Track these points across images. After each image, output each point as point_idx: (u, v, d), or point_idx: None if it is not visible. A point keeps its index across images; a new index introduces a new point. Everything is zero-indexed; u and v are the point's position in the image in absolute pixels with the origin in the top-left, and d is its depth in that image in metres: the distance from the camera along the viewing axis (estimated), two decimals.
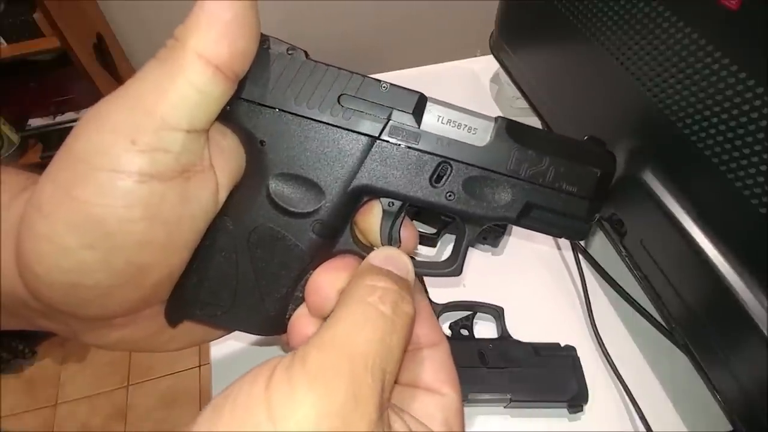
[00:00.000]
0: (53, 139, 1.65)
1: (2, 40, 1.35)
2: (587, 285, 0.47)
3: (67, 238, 0.21)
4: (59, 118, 1.61)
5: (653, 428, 0.40)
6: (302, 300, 0.27)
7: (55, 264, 0.21)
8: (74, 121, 1.60)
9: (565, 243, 0.53)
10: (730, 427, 0.38)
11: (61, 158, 0.21)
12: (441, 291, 0.48)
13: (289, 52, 0.25)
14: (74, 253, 0.21)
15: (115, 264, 0.22)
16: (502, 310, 0.47)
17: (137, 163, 0.20)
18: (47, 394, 1.46)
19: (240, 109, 0.25)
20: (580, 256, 0.49)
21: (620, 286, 0.48)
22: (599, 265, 0.50)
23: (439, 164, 0.27)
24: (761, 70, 0.28)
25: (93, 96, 1.49)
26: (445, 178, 0.27)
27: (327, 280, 0.26)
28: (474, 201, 0.27)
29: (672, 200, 0.35)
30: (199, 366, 1.48)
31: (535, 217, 0.28)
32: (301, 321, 0.27)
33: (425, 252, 0.53)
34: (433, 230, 0.51)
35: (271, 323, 0.27)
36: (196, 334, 0.29)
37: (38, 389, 1.47)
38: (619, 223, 0.42)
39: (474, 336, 0.46)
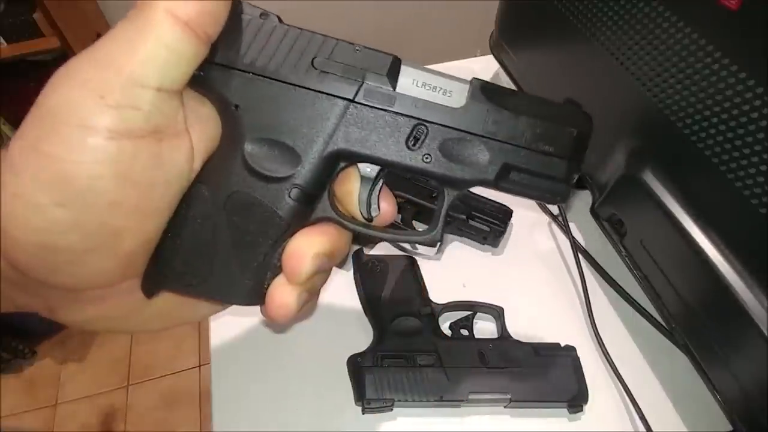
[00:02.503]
0: None
1: (2, 40, 1.35)
2: (587, 285, 0.47)
3: (37, 195, 0.20)
4: None
5: (653, 428, 0.40)
6: (280, 269, 0.27)
7: (26, 222, 0.21)
8: None
9: (564, 243, 0.53)
10: (730, 427, 0.38)
11: (31, 116, 0.21)
12: (441, 291, 0.48)
13: (262, 16, 0.25)
14: (45, 211, 0.21)
15: (88, 224, 0.21)
16: (502, 310, 0.47)
17: (106, 119, 0.20)
18: (47, 394, 1.46)
19: (213, 74, 0.24)
20: (580, 256, 0.49)
21: (620, 286, 0.48)
22: (599, 265, 0.50)
23: (414, 126, 0.26)
24: (761, 70, 0.28)
25: None
26: (421, 140, 0.27)
27: (304, 244, 0.26)
28: (451, 163, 0.27)
29: (672, 200, 0.35)
30: (199, 366, 1.48)
31: (514, 179, 0.28)
32: (279, 289, 0.27)
33: (424, 251, 0.53)
34: None
35: (250, 293, 0.27)
36: (179, 310, 0.29)
37: (38, 389, 1.47)
38: (619, 223, 0.42)
39: (474, 336, 0.46)
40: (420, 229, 0.51)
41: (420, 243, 0.30)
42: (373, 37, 1.78)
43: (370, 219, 0.29)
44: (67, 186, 0.21)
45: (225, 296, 0.27)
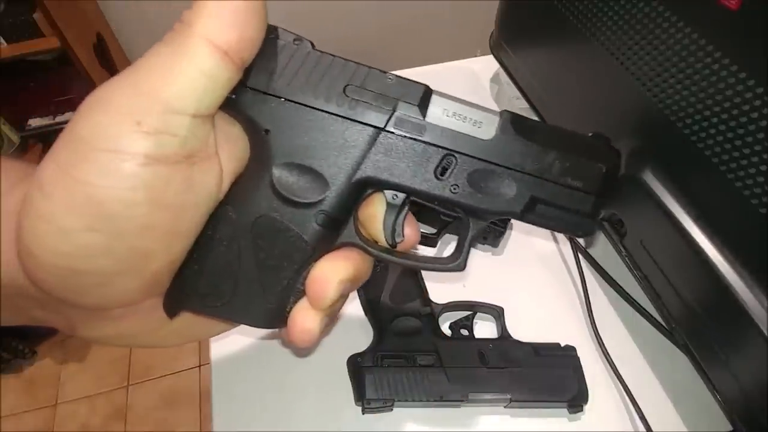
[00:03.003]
0: (53, 139, 1.65)
1: (2, 40, 1.35)
2: (587, 285, 0.47)
3: (67, 220, 0.20)
4: (59, 118, 1.61)
5: (653, 428, 0.40)
6: (303, 293, 0.27)
7: (54, 246, 0.21)
8: None
9: (565, 243, 0.53)
10: (730, 427, 0.38)
11: (63, 139, 0.21)
12: (441, 291, 0.48)
13: (296, 42, 0.25)
14: (75, 236, 0.20)
15: (118, 249, 0.21)
16: (502, 310, 0.47)
17: (142, 145, 0.20)
18: (47, 394, 1.46)
19: (245, 98, 0.24)
20: (580, 256, 0.49)
21: (620, 286, 0.48)
22: (599, 265, 0.50)
23: (443, 157, 0.26)
24: (761, 70, 0.28)
25: None
26: (449, 170, 0.27)
27: (329, 269, 0.26)
28: (478, 194, 0.27)
29: (672, 200, 0.35)
30: (199, 366, 1.48)
31: (540, 212, 0.28)
32: (302, 314, 0.26)
33: (425, 252, 0.53)
34: (433, 230, 0.51)
35: (272, 316, 0.27)
36: (196, 328, 0.29)
37: (38, 389, 1.47)
38: (619, 223, 0.42)
39: (474, 336, 0.46)
40: (425, 232, 0.51)
41: (443, 271, 0.30)
42: (374, 37, 1.79)
43: (394, 245, 0.29)
44: (99, 211, 0.20)
45: (247, 319, 0.27)
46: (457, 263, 0.30)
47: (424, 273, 0.49)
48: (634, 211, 0.40)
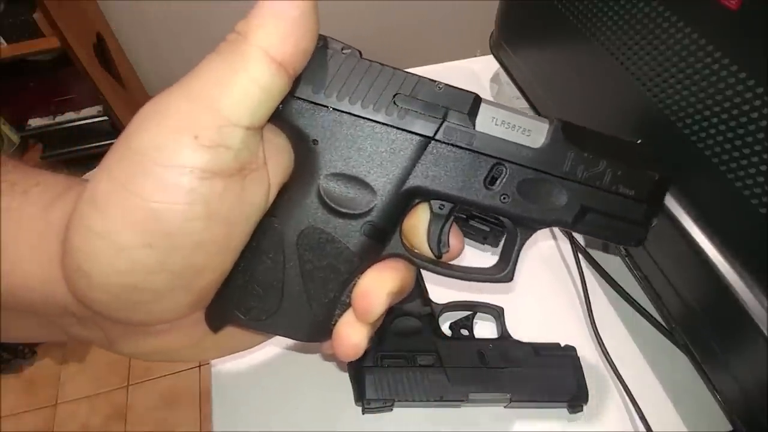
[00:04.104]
0: (53, 139, 1.66)
1: (2, 40, 1.35)
2: (587, 285, 0.47)
3: (125, 236, 0.20)
4: (59, 118, 1.61)
5: (653, 428, 0.40)
6: (348, 305, 0.26)
7: (109, 264, 0.20)
8: (74, 121, 1.61)
9: (564, 243, 0.53)
10: (730, 427, 0.38)
11: (118, 153, 0.20)
12: (441, 291, 0.48)
13: (344, 51, 0.24)
14: (131, 253, 0.20)
15: (173, 265, 0.21)
16: (502, 310, 0.47)
17: (200, 159, 0.20)
18: (47, 394, 1.46)
19: (293, 108, 0.24)
20: (580, 256, 0.49)
21: (620, 286, 0.48)
22: (599, 265, 0.50)
23: (493, 166, 0.26)
24: (761, 70, 0.28)
25: (93, 96, 1.50)
26: (499, 180, 0.26)
27: (376, 282, 0.26)
28: (529, 204, 0.27)
29: (672, 200, 0.35)
30: (199, 366, 1.47)
31: (591, 221, 0.28)
32: (348, 327, 0.26)
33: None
34: None
35: (317, 329, 0.27)
36: (237, 341, 0.28)
37: (38, 389, 1.47)
38: None
39: (474, 336, 0.46)
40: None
41: (491, 282, 0.30)
42: (374, 38, 1.79)
43: (439, 255, 0.29)
44: (157, 227, 0.20)
45: (292, 332, 0.27)
46: (505, 273, 0.29)
47: (424, 273, 0.49)
48: None
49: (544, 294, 0.50)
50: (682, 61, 0.33)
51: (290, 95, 0.24)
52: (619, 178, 0.27)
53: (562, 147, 0.26)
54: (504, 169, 0.26)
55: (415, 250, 0.29)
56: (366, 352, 0.42)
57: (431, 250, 0.28)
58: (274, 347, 0.46)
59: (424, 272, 0.48)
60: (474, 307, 0.47)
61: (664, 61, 0.34)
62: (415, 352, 0.42)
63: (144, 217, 0.20)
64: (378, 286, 0.26)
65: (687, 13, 0.32)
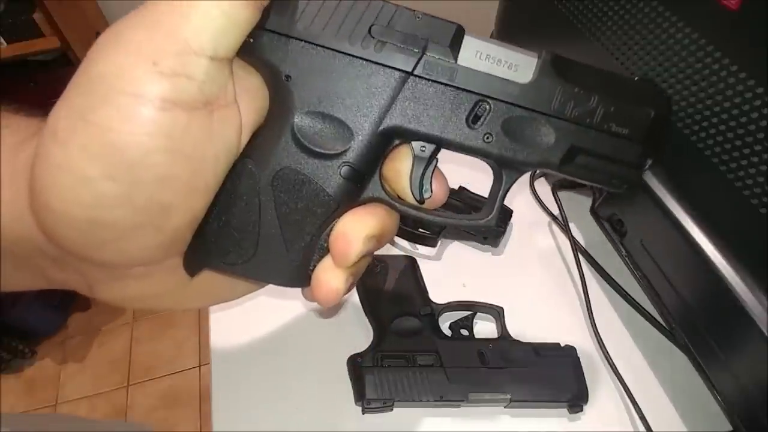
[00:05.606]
0: None
1: (2, 40, 1.35)
2: (587, 285, 0.47)
3: (86, 167, 0.19)
4: None
5: (653, 428, 0.40)
6: (327, 250, 0.25)
7: (73, 196, 0.20)
8: None
9: (564, 243, 0.53)
10: (730, 427, 0.38)
11: (77, 82, 0.20)
12: (441, 291, 0.48)
13: None
14: (94, 184, 0.20)
15: (137, 199, 0.20)
16: (502, 310, 0.47)
17: (159, 88, 0.19)
18: (47, 394, 1.46)
19: (264, 42, 0.23)
20: (580, 256, 0.49)
21: (620, 286, 0.48)
22: (599, 265, 0.50)
23: (476, 103, 0.25)
24: (761, 70, 0.28)
25: None
26: (482, 118, 0.25)
27: (353, 225, 0.25)
28: (514, 144, 0.25)
29: (672, 200, 0.35)
30: (199, 366, 1.48)
31: (580, 163, 0.26)
32: (326, 272, 0.25)
33: (424, 251, 0.53)
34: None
35: (295, 274, 0.26)
36: (219, 289, 0.28)
37: (38, 389, 1.47)
38: (619, 223, 0.42)
39: (474, 336, 0.46)
40: (424, 232, 0.52)
41: (475, 227, 0.28)
42: None
43: (421, 201, 0.27)
44: (118, 158, 0.19)
45: (269, 276, 0.26)
46: (489, 218, 0.28)
47: (424, 273, 0.49)
48: (634, 211, 0.40)
49: (544, 294, 0.50)
50: (682, 61, 0.33)
51: (260, 28, 0.23)
52: (612, 116, 0.26)
53: (551, 82, 0.25)
54: (488, 107, 0.25)
55: (400, 197, 0.28)
56: (366, 352, 0.42)
57: (413, 195, 0.27)
58: (274, 347, 0.46)
59: (424, 273, 0.49)
60: (474, 307, 0.47)
61: (664, 61, 0.34)
62: (415, 352, 0.42)
63: (104, 148, 0.19)
64: (355, 228, 0.25)
65: (687, 13, 0.32)
